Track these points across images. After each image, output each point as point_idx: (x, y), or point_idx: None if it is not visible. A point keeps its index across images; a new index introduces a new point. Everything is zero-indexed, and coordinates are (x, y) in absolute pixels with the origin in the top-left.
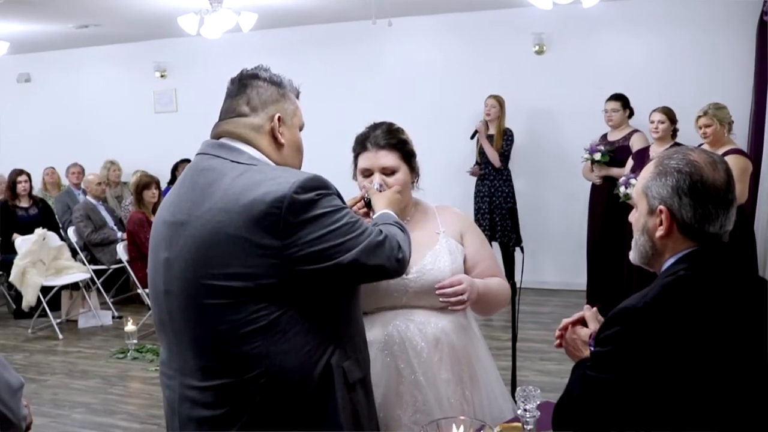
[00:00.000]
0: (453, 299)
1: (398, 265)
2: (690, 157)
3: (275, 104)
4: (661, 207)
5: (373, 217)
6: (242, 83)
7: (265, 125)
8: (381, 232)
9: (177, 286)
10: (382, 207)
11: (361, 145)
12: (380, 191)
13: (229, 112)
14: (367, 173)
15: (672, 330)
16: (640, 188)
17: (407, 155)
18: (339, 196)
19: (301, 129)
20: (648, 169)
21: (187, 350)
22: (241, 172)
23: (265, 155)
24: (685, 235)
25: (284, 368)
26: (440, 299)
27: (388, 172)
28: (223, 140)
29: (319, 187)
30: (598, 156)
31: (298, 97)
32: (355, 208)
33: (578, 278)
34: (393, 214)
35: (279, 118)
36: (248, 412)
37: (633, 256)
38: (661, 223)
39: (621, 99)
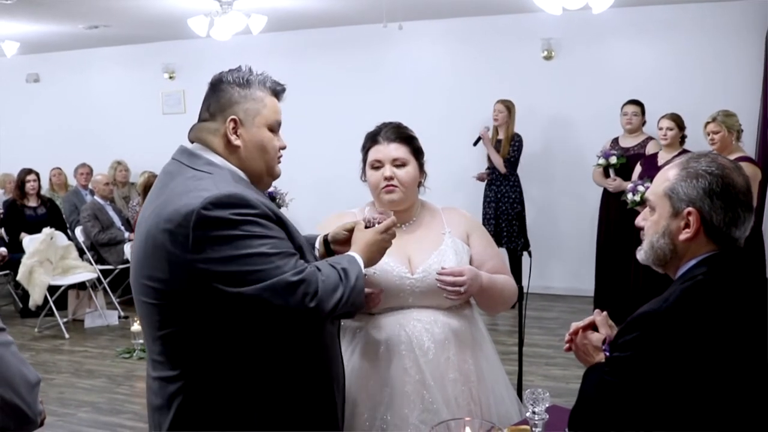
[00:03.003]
0: (450, 288)
1: (308, 313)
2: (718, 160)
3: (232, 107)
4: (690, 209)
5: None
6: (211, 87)
7: (221, 128)
8: (301, 272)
9: (132, 284)
10: (355, 249)
11: (371, 139)
12: (370, 225)
13: (198, 117)
14: (378, 165)
15: (693, 335)
16: (662, 191)
17: (416, 151)
18: (272, 219)
19: (272, 128)
20: (671, 172)
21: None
22: (185, 178)
23: (224, 159)
24: (710, 237)
25: (199, 375)
26: (438, 284)
27: (399, 163)
28: (193, 145)
29: (238, 205)
30: (614, 160)
31: (278, 94)
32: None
33: (585, 284)
34: (357, 260)
35: (234, 120)
36: (174, 409)
37: (644, 257)
38: (686, 226)
39: (640, 104)
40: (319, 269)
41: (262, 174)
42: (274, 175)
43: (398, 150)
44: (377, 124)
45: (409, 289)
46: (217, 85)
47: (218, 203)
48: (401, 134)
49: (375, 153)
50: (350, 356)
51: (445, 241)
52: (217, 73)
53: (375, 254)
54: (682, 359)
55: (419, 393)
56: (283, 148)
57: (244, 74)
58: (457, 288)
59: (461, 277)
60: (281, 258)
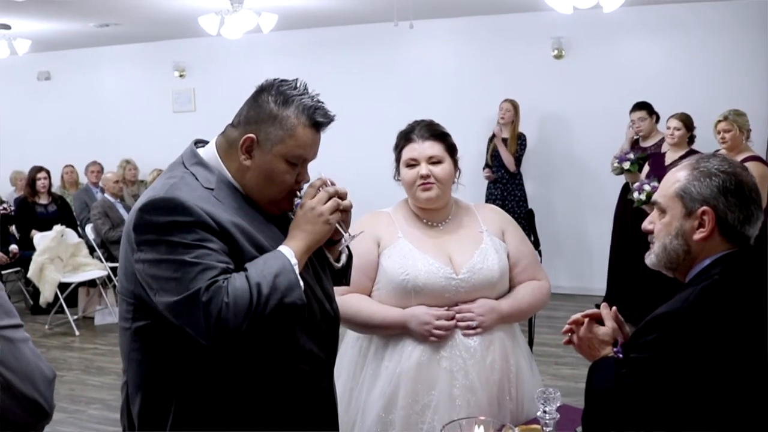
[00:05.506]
0: (462, 324)
1: (210, 334)
2: (729, 159)
3: (256, 124)
4: (705, 208)
5: (262, 256)
6: (254, 93)
7: (238, 140)
8: (207, 289)
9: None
10: (289, 237)
11: (405, 138)
12: (324, 187)
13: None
14: (413, 163)
15: (714, 335)
16: (673, 192)
17: (450, 148)
18: (212, 229)
19: (290, 161)
20: (681, 173)
21: None
22: (165, 176)
23: (228, 170)
24: (724, 236)
25: (135, 378)
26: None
27: (435, 161)
28: (205, 144)
29: (173, 211)
30: (627, 165)
31: (318, 126)
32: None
33: (591, 283)
34: (281, 255)
35: (251, 140)
36: (122, 401)
37: (655, 260)
38: (700, 226)
39: (646, 107)
40: (227, 284)
41: (260, 202)
42: (281, 209)
43: (433, 147)
44: (387, 122)
45: (455, 289)
46: (258, 94)
47: (154, 207)
48: (435, 131)
49: (410, 151)
50: (399, 359)
51: (485, 240)
52: (269, 80)
53: (312, 232)
54: (704, 360)
55: (465, 397)
56: (304, 182)
57: (289, 92)
58: (468, 323)
59: (470, 313)
60: (200, 270)
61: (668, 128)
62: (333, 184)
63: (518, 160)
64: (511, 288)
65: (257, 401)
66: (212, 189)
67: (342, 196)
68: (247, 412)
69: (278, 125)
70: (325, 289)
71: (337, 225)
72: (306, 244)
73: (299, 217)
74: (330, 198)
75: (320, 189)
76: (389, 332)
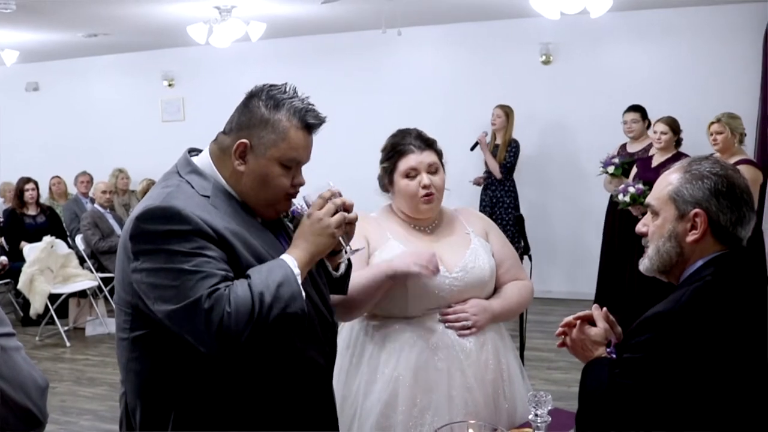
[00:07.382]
0: (457, 325)
1: (212, 342)
2: (720, 162)
3: (248, 129)
4: (697, 210)
5: (267, 263)
6: (244, 100)
7: (231, 147)
8: (209, 296)
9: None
10: (292, 246)
11: (399, 152)
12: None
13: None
14: (414, 173)
15: (706, 336)
16: (666, 194)
17: (440, 154)
18: (209, 237)
19: (284, 164)
20: (674, 176)
21: None
22: (160, 185)
23: (223, 177)
24: (716, 238)
25: (134, 388)
26: (445, 325)
27: (433, 169)
28: (200, 152)
29: (170, 219)
30: (611, 169)
31: (310, 128)
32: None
33: (585, 288)
34: (285, 265)
35: (244, 145)
36: (121, 412)
37: (649, 264)
38: (693, 228)
39: (640, 110)
40: (229, 291)
41: (257, 206)
42: (278, 211)
43: (430, 156)
44: (376, 130)
45: (448, 288)
46: (248, 100)
47: (151, 215)
48: (428, 140)
49: (409, 162)
50: (396, 364)
51: (473, 241)
52: (258, 86)
53: (316, 243)
54: (696, 360)
55: (463, 397)
56: (299, 185)
57: (279, 96)
58: (464, 323)
59: (464, 313)
60: (200, 278)
61: (654, 132)
62: (341, 195)
63: (507, 167)
64: (495, 288)
65: (256, 408)
66: (208, 197)
67: (348, 209)
68: (247, 419)
69: (270, 129)
70: (322, 294)
71: (340, 238)
72: (309, 254)
73: (306, 226)
74: (337, 210)
75: (329, 200)
76: (380, 287)
